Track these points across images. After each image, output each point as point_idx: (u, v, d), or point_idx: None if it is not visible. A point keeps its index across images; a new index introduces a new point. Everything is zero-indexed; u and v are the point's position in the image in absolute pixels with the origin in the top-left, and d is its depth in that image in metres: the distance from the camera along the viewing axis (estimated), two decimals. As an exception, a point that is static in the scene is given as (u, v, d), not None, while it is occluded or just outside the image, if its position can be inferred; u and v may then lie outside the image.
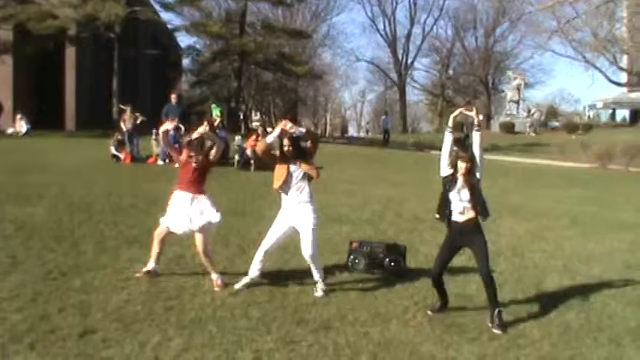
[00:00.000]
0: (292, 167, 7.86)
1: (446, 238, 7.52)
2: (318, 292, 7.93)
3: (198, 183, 8.03)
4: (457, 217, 7.25)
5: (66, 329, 6.17)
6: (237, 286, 7.90)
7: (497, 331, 6.95)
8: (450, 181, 7.27)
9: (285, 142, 7.88)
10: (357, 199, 15.75)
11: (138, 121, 22.12)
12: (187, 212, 7.91)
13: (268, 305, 7.31)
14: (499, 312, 7.12)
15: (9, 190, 13.57)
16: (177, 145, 9.72)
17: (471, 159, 7.15)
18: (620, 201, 19.36)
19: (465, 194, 7.15)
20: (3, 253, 8.81)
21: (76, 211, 12.00)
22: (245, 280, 8.00)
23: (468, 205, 7.17)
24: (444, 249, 7.53)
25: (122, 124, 22.25)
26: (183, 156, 8.12)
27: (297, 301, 7.56)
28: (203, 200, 8.00)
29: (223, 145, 9.39)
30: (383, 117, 48.06)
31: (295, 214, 7.93)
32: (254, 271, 8.05)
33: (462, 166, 7.12)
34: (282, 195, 7.98)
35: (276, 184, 7.91)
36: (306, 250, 7.91)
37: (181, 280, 8.05)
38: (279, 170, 7.90)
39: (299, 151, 7.92)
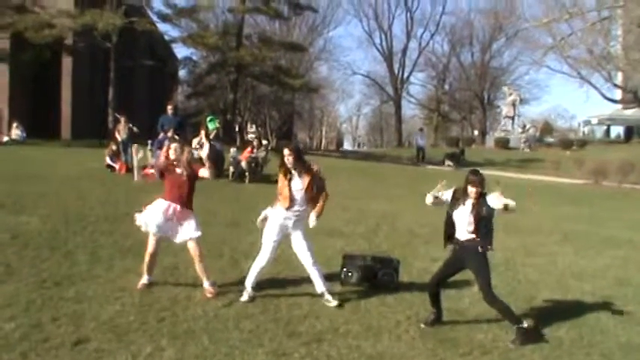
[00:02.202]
0: (295, 185, 7.89)
1: (450, 255, 7.57)
2: (332, 302, 8.00)
3: (184, 198, 8.06)
4: (460, 236, 7.31)
5: (59, 338, 6.18)
6: (243, 298, 7.92)
7: (511, 345, 7.03)
8: (456, 201, 7.32)
9: (285, 152, 7.91)
10: (352, 213, 15.77)
11: (133, 131, 22.07)
12: (173, 221, 7.95)
13: (261, 317, 7.32)
14: (517, 328, 7.20)
15: (4, 199, 13.55)
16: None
17: (481, 183, 7.18)
18: (613, 217, 19.42)
19: (472, 220, 7.19)
20: (-3, 261, 8.82)
21: (71, 220, 12.00)
22: (247, 292, 8.00)
23: (471, 230, 7.22)
24: (446, 265, 7.60)
25: (117, 134, 22.23)
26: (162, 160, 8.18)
27: (290, 313, 7.58)
28: (190, 213, 8.04)
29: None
30: (418, 134, 47.71)
31: (289, 226, 7.99)
32: (250, 283, 8.06)
33: (471, 190, 7.17)
34: (279, 207, 8.02)
35: (284, 203, 7.94)
36: (307, 260, 8.01)
37: (174, 291, 8.07)
38: (284, 189, 7.94)
39: (300, 161, 7.96)
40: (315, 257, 8.14)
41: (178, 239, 8.05)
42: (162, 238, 8.14)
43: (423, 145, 44.53)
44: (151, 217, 8.02)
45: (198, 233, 8.06)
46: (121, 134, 21.90)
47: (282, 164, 7.94)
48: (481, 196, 7.19)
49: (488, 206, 7.14)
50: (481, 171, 7.57)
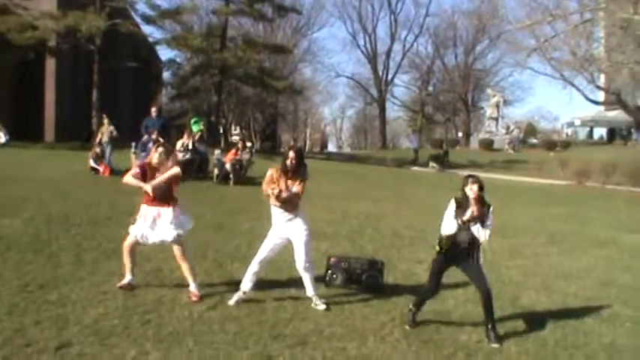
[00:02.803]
0: (288, 183, 7.86)
1: (441, 257, 7.54)
2: (320, 306, 8.00)
3: (165, 197, 8.03)
4: (462, 241, 7.32)
5: (42, 343, 6.13)
6: (231, 301, 7.89)
7: (495, 345, 7.09)
8: (460, 209, 7.31)
9: (291, 154, 7.89)
10: (336, 215, 15.77)
11: (113, 134, 22.03)
12: (157, 225, 7.93)
13: (246, 320, 7.30)
14: (493, 327, 7.29)
15: (-14, 202, 13.48)
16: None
17: (479, 184, 7.21)
18: (597, 218, 19.54)
19: (475, 227, 7.23)
20: (-21, 265, 8.75)
21: (54, 223, 11.93)
22: (238, 294, 7.98)
23: (477, 234, 7.26)
24: (441, 263, 7.58)
25: (100, 136, 22.22)
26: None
27: (275, 316, 7.56)
28: (173, 212, 8.01)
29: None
30: (414, 136, 48.03)
31: (287, 228, 7.97)
32: (247, 284, 8.02)
33: (472, 189, 7.18)
34: (273, 209, 8.00)
35: (272, 200, 7.92)
36: (301, 261, 7.95)
37: (159, 294, 8.03)
38: (275, 185, 7.89)
39: (300, 167, 7.95)
40: (311, 262, 8.12)
41: (158, 240, 8.01)
42: (146, 242, 8.13)
43: (417, 147, 44.95)
44: (139, 224, 8.02)
45: (178, 232, 8.02)
46: (103, 136, 21.87)
47: (283, 165, 7.91)
48: (483, 202, 7.22)
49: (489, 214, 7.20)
50: (466, 173, 7.61)
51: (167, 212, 7.98)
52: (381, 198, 21.06)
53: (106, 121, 22.56)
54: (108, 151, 21.52)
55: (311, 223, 8.25)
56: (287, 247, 8.15)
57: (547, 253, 13.00)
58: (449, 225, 7.36)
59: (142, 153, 19.68)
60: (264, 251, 8.06)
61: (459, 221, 7.25)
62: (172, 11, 38.65)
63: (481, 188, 7.23)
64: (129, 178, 8.13)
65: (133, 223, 8.15)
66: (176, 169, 8.09)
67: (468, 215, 7.18)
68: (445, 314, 8.14)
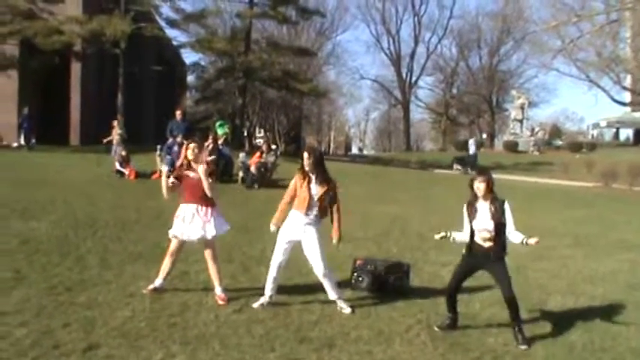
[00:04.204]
0: (313, 189, 7.85)
1: (466, 257, 7.53)
2: (346, 309, 7.97)
3: (202, 196, 8.06)
4: (481, 242, 7.28)
5: (70, 344, 6.18)
6: (256, 305, 7.89)
7: (523, 347, 7.05)
8: (471, 211, 7.28)
9: (304, 155, 7.88)
10: (361, 217, 15.72)
11: (123, 137, 22.75)
12: (195, 222, 7.96)
13: (271, 323, 7.31)
14: (520, 329, 7.23)
15: (14, 205, 13.59)
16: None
17: (488, 179, 7.16)
18: (624, 221, 19.33)
19: (490, 224, 7.19)
20: (7, 267, 8.82)
21: (81, 226, 12.02)
22: (263, 299, 7.97)
23: (488, 236, 7.21)
24: (463, 266, 7.57)
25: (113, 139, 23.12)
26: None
27: (301, 318, 7.56)
28: (212, 212, 8.05)
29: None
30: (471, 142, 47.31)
31: (299, 232, 7.91)
32: (269, 290, 8.02)
33: (479, 186, 7.14)
34: (294, 211, 7.97)
35: (297, 205, 7.89)
36: (319, 269, 7.91)
37: (185, 297, 8.06)
38: (302, 192, 7.86)
39: (319, 167, 7.91)
40: (328, 265, 8.09)
41: (198, 238, 8.04)
42: (187, 242, 8.15)
43: (475, 153, 44.23)
44: (176, 225, 8.08)
45: (217, 232, 8.09)
46: (113, 139, 22.72)
47: (302, 167, 7.90)
48: (495, 199, 7.17)
49: (503, 212, 7.12)
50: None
51: (206, 211, 8.03)
52: (406, 200, 21.00)
53: (115, 123, 23.13)
54: (117, 150, 22.13)
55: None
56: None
57: (573, 256, 12.89)
58: (465, 231, 7.39)
59: (166, 156, 19.79)
60: (278, 256, 8.01)
61: (472, 224, 7.25)
62: (197, 14, 38.81)
63: (490, 185, 7.18)
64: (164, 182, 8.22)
65: (170, 228, 8.20)
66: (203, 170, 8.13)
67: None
68: (472, 317, 8.10)
